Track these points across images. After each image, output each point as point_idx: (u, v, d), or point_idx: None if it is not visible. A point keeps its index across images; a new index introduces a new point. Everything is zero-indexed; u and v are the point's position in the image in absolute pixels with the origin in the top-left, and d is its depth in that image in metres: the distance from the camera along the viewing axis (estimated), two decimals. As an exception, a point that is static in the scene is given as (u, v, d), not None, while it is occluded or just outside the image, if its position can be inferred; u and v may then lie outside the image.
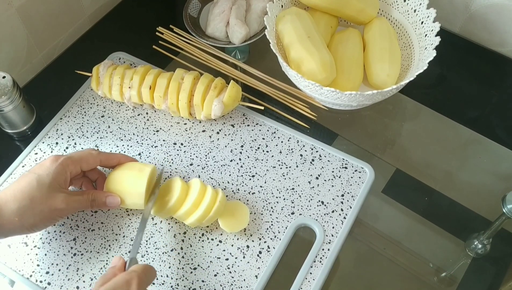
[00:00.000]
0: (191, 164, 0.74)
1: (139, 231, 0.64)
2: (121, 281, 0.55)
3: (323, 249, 0.67)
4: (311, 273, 0.65)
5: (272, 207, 0.71)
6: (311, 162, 0.74)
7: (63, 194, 0.61)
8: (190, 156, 0.75)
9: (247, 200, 0.71)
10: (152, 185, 0.68)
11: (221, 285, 0.65)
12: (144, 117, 0.79)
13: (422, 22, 0.79)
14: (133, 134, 0.78)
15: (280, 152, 0.75)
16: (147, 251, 0.67)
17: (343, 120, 0.81)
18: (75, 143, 0.77)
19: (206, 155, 0.75)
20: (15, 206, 0.59)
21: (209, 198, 0.66)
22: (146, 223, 0.65)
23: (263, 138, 0.77)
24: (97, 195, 0.65)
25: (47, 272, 0.66)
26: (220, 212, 0.67)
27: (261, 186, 0.72)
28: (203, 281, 0.65)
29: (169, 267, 0.66)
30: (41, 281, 0.65)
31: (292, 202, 0.71)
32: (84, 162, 0.65)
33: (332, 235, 0.68)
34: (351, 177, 0.73)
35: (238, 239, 0.68)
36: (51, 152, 0.76)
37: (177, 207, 0.66)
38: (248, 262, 0.66)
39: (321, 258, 0.66)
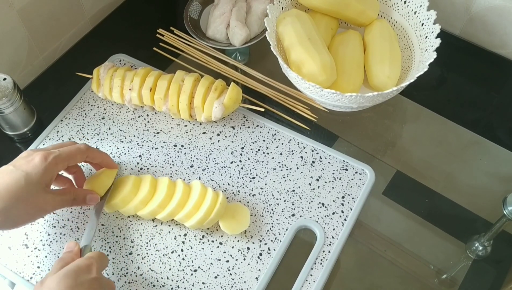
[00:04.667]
0: (191, 166, 0.74)
1: (92, 220, 0.66)
2: (83, 265, 0.56)
3: (323, 251, 0.67)
4: (311, 275, 0.65)
5: (272, 209, 0.70)
6: (311, 164, 0.74)
7: (50, 194, 0.61)
8: (191, 158, 0.75)
9: (248, 202, 0.71)
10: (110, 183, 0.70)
11: (221, 287, 0.65)
12: (145, 119, 0.79)
13: (422, 24, 0.79)
14: (134, 136, 0.78)
15: (281, 154, 0.75)
16: (147, 253, 0.67)
17: (343, 122, 0.81)
18: (76, 145, 0.77)
19: (206, 157, 0.75)
20: (0, 206, 0.57)
21: (209, 200, 0.66)
22: (100, 214, 0.67)
23: (264, 140, 0.77)
24: (77, 193, 0.66)
25: (48, 274, 0.66)
26: (221, 214, 0.67)
27: (261, 188, 0.72)
28: (203, 283, 0.65)
29: (170, 269, 0.66)
30: (41, 283, 0.65)
31: (293, 204, 0.71)
32: (72, 159, 0.65)
33: (333, 237, 0.68)
34: (352, 179, 0.73)
35: (238, 241, 0.68)
36: (52, 154, 0.76)
37: (178, 209, 0.66)
38: (248, 264, 0.66)
39: (321, 260, 0.66)
